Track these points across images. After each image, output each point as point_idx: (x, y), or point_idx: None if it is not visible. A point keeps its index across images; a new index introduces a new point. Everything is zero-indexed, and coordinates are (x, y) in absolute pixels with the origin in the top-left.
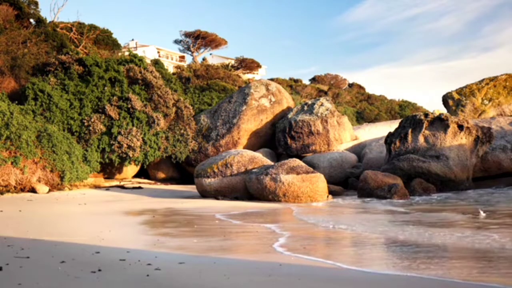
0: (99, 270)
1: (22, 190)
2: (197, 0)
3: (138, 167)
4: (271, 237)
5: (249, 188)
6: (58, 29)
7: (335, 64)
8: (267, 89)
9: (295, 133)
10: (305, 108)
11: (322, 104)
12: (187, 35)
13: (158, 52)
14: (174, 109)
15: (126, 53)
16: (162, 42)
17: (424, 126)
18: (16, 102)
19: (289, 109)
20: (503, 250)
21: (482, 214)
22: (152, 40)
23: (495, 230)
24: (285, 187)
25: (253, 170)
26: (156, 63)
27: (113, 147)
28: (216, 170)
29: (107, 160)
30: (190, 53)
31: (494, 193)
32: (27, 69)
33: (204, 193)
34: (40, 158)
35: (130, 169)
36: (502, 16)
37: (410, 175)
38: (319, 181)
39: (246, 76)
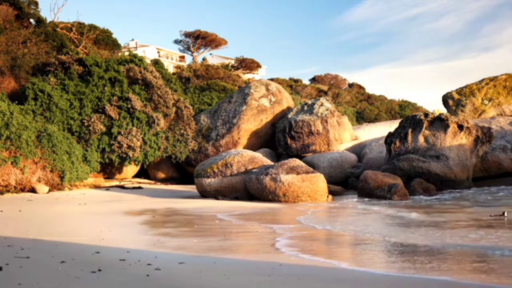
0: (99, 270)
1: (22, 190)
2: (197, 0)
3: (138, 167)
4: (271, 237)
5: (249, 188)
6: (58, 29)
7: (335, 64)
8: (267, 89)
9: (295, 133)
10: (305, 108)
11: (322, 104)
12: (187, 35)
13: (158, 52)
14: (174, 109)
15: (126, 53)
16: (162, 42)
17: (424, 126)
18: (16, 102)
19: (289, 109)
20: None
21: (506, 214)
22: (152, 40)
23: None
24: (285, 187)
25: (253, 170)
26: (156, 63)
27: (113, 147)
28: (216, 170)
29: (107, 160)
30: (190, 53)
31: (495, 193)
32: (27, 69)
33: (204, 193)
34: (40, 158)
35: (130, 169)
36: (502, 16)
37: (410, 175)
38: (319, 181)
39: (246, 76)
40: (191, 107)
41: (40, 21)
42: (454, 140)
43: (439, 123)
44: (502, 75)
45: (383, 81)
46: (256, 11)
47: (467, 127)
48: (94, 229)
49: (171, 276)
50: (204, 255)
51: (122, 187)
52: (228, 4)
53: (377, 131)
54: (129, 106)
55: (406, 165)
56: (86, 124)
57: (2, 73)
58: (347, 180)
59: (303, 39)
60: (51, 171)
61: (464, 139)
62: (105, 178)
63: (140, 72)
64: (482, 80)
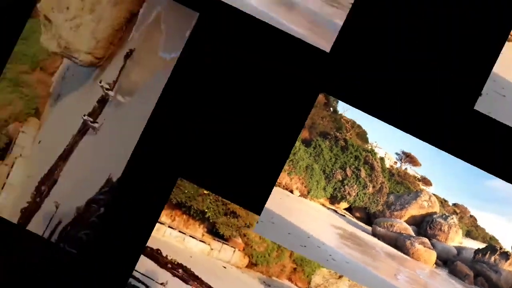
0: None
1: (286, 189)
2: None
3: (348, 205)
4: None
5: None
6: (341, 119)
7: None
8: (428, 197)
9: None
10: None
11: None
12: (402, 153)
13: (385, 153)
14: (379, 185)
15: (370, 147)
16: (389, 149)
17: None
18: (304, 144)
19: (434, 213)
20: None
21: None
22: (385, 147)
23: None
24: None
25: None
26: (381, 159)
27: (340, 190)
28: (383, 225)
29: (333, 195)
30: (400, 161)
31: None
32: (317, 131)
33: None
34: (300, 178)
35: (342, 205)
36: None
37: None
38: None
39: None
40: (388, 188)
41: (335, 111)
42: None
43: None
44: None
45: None
46: None
47: None
48: (316, 224)
49: None
50: None
51: (335, 211)
52: None
53: None
54: (357, 174)
55: None
56: (331, 171)
57: (304, 128)
58: None
59: None
60: (305, 186)
61: None
62: (329, 203)
63: (372, 160)
64: None
